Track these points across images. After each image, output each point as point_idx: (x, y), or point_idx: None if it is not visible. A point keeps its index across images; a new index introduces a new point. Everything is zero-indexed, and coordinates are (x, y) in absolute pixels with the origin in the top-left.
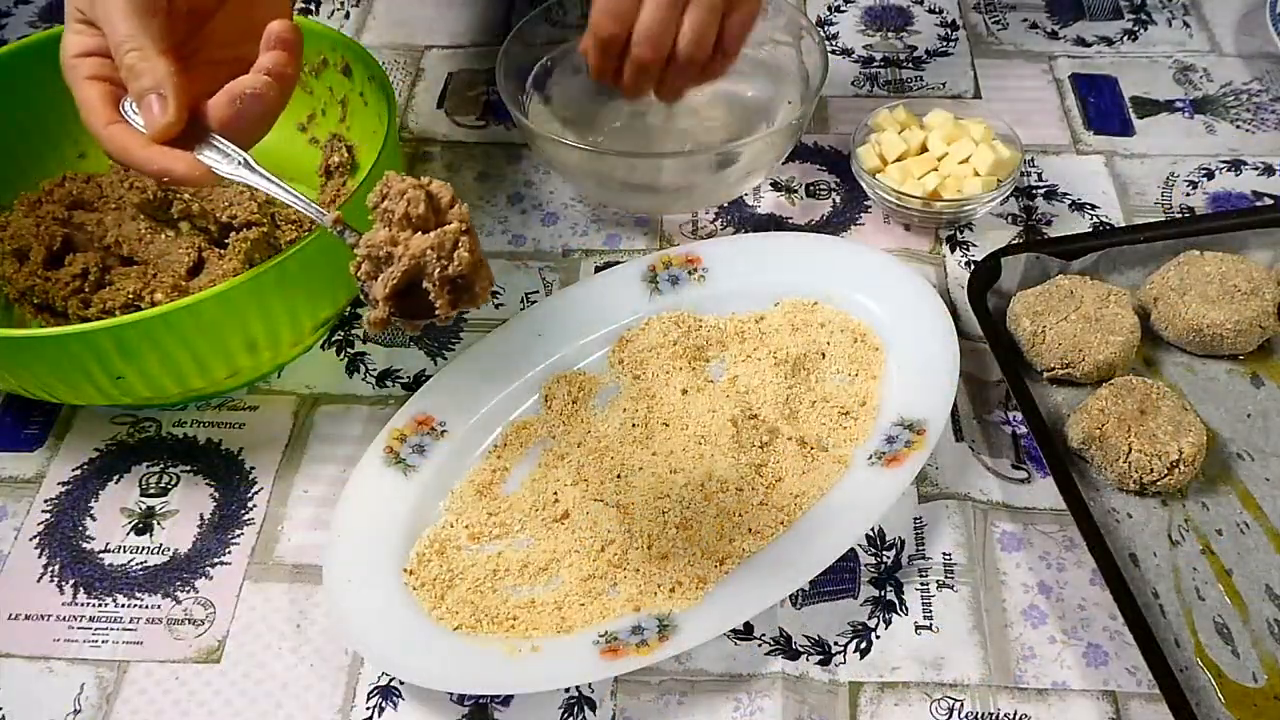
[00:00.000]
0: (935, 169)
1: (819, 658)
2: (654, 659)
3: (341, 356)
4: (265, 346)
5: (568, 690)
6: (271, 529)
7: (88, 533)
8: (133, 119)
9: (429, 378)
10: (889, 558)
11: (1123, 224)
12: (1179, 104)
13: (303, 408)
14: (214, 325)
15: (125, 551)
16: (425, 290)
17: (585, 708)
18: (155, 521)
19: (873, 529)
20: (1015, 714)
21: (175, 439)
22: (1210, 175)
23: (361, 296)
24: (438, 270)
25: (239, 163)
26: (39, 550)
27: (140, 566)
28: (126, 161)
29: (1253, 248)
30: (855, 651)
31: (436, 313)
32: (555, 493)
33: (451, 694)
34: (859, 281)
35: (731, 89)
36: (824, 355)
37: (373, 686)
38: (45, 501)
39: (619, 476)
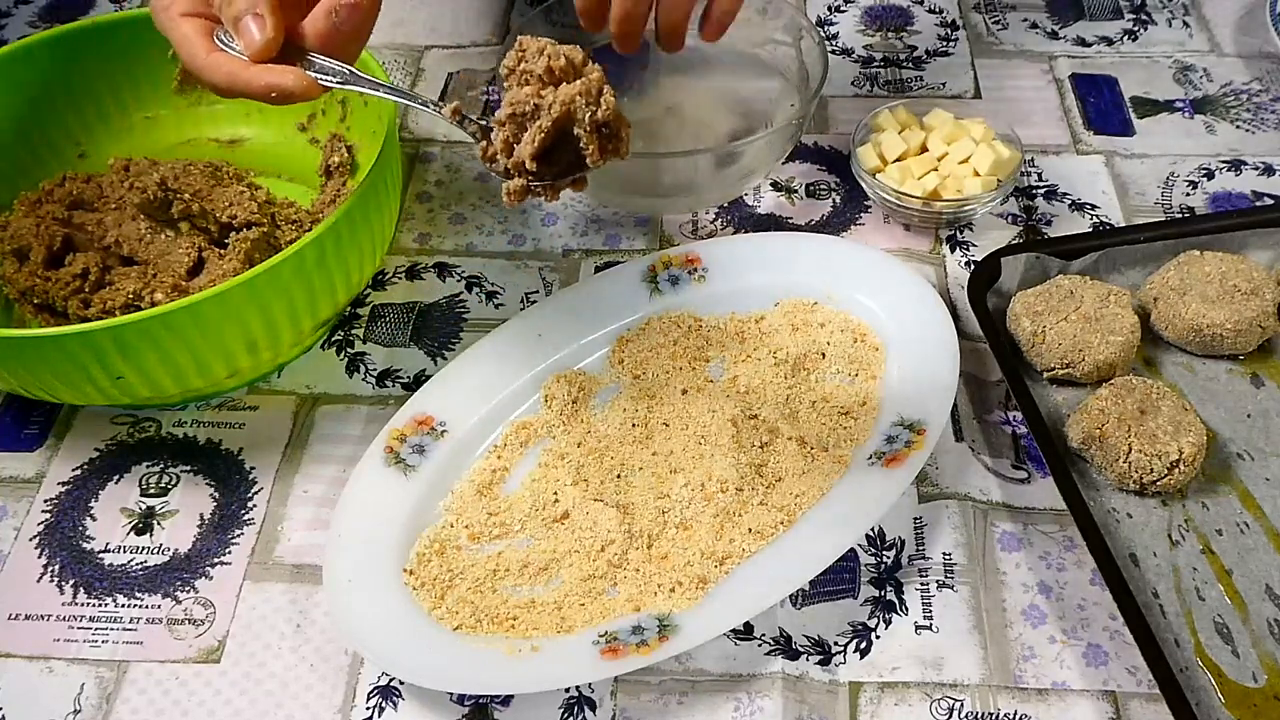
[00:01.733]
0: (935, 169)
1: (819, 658)
2: (654, 659)
3: (341, 356)
4: (265, 346)
5: (568, 690)
6: (271, 529)
7: (88, 533)
8: (229, 49)
9: (429, 378)
10: (889, 558)
11: (1123, 224)
12: (1179, 104)
13: (303, 408)
14: (214, 325)
15: (125, 551)
16: (567, 149)
17: (585, 708)
18: (155, 521)
19: (873, 529)
20: (1015, 714)
21: (175, 439)
22: (1210, 175)
23: (495, 174)
24: (588, 115)
25: (344, 75)
26: (39, 550)
27: (140, 566)
28: (232, 87)
29: (1253, 248)
30: (855, 651)
31: (588, 162)
32: (555, 493)
33: (451, 694)
34: (859, 281)
35: (731, 89)
36: (824, 355)
37: (373, 686)
38: (45, 501)
39: (619, 476)
